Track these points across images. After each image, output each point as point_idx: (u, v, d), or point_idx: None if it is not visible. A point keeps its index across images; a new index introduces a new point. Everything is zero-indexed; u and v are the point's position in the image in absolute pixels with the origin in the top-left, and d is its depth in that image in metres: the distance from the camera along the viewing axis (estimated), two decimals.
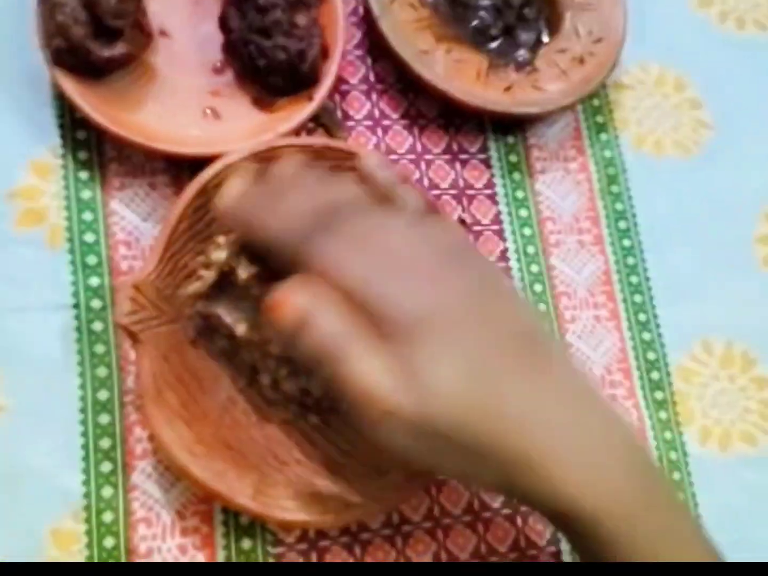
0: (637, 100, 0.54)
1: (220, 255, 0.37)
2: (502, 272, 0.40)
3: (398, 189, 0.36)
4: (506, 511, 0.43)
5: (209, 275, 0.37)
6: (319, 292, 0.30)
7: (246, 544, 0.40)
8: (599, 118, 0.53)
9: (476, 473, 0.32)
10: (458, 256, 0.33)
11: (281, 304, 0.30)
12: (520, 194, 0.50)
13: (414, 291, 0.31)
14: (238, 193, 0.34)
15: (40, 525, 0.38)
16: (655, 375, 0.48)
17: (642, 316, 0.50)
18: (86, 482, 0.39)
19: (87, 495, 0.39)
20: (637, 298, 0.50)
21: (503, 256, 0.48)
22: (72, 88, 0.40)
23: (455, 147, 0.49)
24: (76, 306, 0.41)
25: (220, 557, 0.39)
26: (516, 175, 0.50)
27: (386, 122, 0.49)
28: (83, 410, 0.40)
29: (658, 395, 0.48)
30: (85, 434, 0.39)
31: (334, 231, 0.31)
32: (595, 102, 0.53)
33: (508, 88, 0.49)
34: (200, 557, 0.39)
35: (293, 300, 0.30)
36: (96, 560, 0.38)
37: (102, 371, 0.40)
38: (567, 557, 0.43)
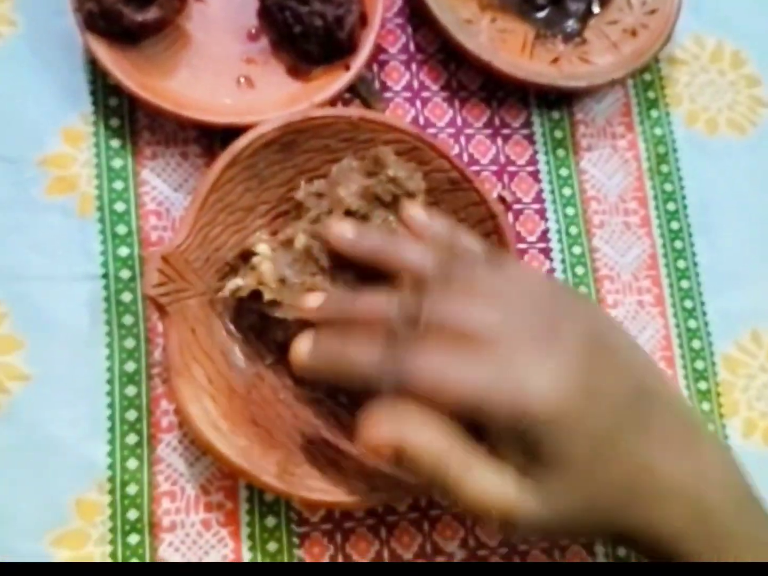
0: (691, 76, 0.52)
1: (264, 250, 0.38)
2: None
3: (457, 238, 0.36)
4: None
5: (250, 283, 0.38)
6: (407, 412, 0.31)
7: (270, 521, 0.39)
8: (650, 94, 0.51)
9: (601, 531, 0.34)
10: (564, 309, 0.33)
11: (373, 441, 0.31)
12: (564, 172, 0.48)
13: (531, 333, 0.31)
14: (307, 347, 0.35)
15: (64, 495, 0.38)
16: (699, 364, 0.47)
17: (688, 303, 0.47)
18: (111, 454, 0.38)
19: (112, 466, 0.38)
20: (684, 283, 0.48)
21: (544, 236, 0.47)
22: (104, 54, 0.39)
23: (497, 121, 0.48)
24: (105, 276, 0.40)
25: (244, 534, 0.39)
26: (560, 152, 0.48)
27: (426, 94, 0.47)
28: (110, 381, 0.39)
29: (702, 385, 0.46)
30: (111, 406, 0.39)
31: (428, 337, 0.31)
32: (647, 77, 0.51)
33: (554, 60, 0.47)
34: (224, 533, 0.39)
35: (382, 435, 0.31)
36: (119, 532, 0.38)
37: (130, 343, 0.40)
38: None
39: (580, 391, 0.30)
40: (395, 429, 0.31)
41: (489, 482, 0.30)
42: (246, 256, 0.39)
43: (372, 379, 0.32)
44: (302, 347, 0.35)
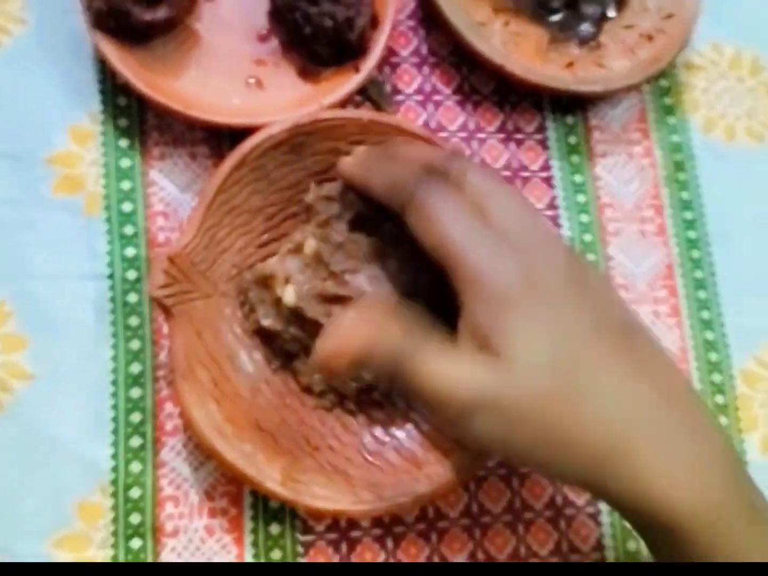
0: (709, 82, 0.51)
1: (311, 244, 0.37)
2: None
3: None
4: (549, 513, 0.41)
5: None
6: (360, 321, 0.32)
7: (275, 529, 0.38)
8: (667, 100, 0.50)
9: (559, 463, 0.30)
10: (556, 237, 0.33)
11: (336, 356, 0.31)
12: (578, 178, 0.47)
13: (512, 260, 0.30)
14: (362, 152, 0.36)
15: (67, 497, 0.37)
16: (716, 377, 0.45)
17: (705, 314, 0.46)
18: (115, 456, 0.38)
19: (115, 469, 0.38)
20: (701, 294, 0.47)
21: None
22: (113, 53, 0.39)
23: (510, 126, 0.47)
24: (111, 276, 0.40)
25: (248, 541, 0.38)
26: (575, 158, 0.47)
27: (438, 97, 0.46)
28: (115, 383, 0.39)
29: (719, 399, 0.45)
30: (115, 407, 0.38)
31: (448, 192, 0.31)
32: (663, 83, 0.50)
33: (569, 65, 0.46)
34: (227, 540, 0.38)
35: (345, 348, 0.31)
36: (121, 536, 0.37)
37: (135, 344, 0.39)
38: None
39: (560, 292, 0.30)
40: (351, 336, 0.31)
41: (445, 363, 0.30)
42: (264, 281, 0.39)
43: (397, 193, 0.32)
44: (347, 158, 0.36)
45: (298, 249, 0.38)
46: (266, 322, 0.38)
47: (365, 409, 0.40)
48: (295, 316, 0.37)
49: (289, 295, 0.37)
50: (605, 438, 0.29)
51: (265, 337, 0.39)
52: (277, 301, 0.38)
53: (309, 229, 0.38)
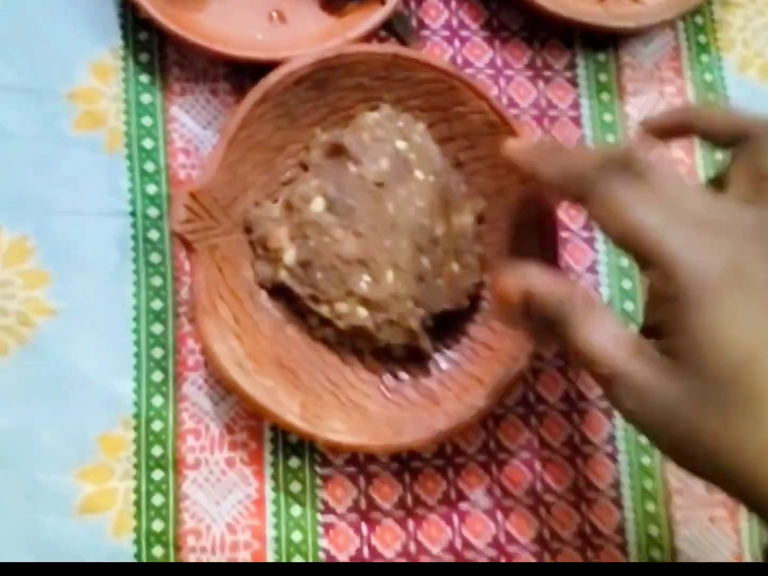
0: (746, 20, 0.49)
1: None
2: None
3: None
4: (566, 451, 0.41)
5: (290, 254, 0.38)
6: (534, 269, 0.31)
7: (294, 462, 0.39)
8: (701, 38, 0.48)
9: (697, 454, 0.28)
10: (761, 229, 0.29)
11: (507, 289, 0.31)
12: (608, 117, 0.46)
13: (717, 247, 0.27)
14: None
15: (89, 430, 0.38)
16: None
17: None
18: (137, 390, 0.38)
19: (137, 403, 0.38)
20: None
21: None
22: None
23: (539, 63, 0.46)
24: (133, 213, 0.40)
25: (268, 474, 0.39)
26: (605, 96, 0.46)
27: (465, 33, 0.45)
28: (136, 319, 0.39)
29: None
30: (137, 343, 0.39)
31: (634, 176, 0.29)
32: (698, 19, 0.48)
33: None
34: (248, 472, 0.39)
35: (514, 283, 0.31)
36: (143, 468, 0.38)
37: (157, 280, 0.40)
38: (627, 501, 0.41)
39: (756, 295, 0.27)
40: (524, 279, 0.31)
41: (608, 330, 0.29)
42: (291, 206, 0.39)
43: (575, 183, 0.31)
44: (514, 141, 0.35)
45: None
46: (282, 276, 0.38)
47: (387, 349, 0.40)
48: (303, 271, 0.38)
49: (289, 256, 0.38)
50: None
51: (277, 292, 0.40)
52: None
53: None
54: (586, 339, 0.29)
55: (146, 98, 0.41)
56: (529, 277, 0.31)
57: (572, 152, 0.33)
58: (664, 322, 0.28)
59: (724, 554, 0.42)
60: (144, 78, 0.41)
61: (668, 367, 0.28)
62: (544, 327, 0.30)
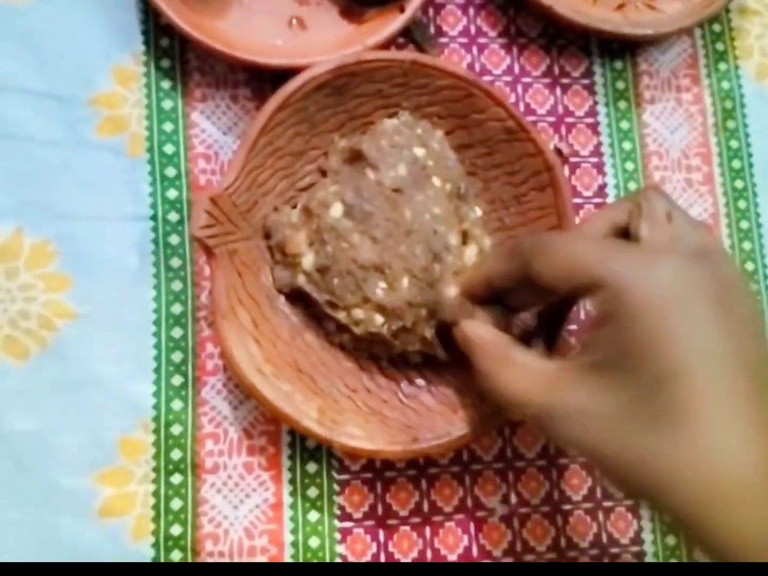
0: (764, 28, 0.49)
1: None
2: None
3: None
4: (583, 460, 0.41)
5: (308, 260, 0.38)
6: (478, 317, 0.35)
7: (311, 467, 0.39)
8: (719, 46, 0.48)
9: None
10: (729, 300, 0.29)
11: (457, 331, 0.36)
12: (624, 125, 0.46)
13: (653, 267, 0.29)
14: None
15: (109, 433, 0.38)
16: None
17: (750, 265, 0.46)
18: (156, 394, 0.39)
19: (156, 406, 0.39)
20: (746, 245, 0.46)
21: (601, 191, 0.45)
22: None
23: (556, 70, 0.46)
24: (154, 218, 0.40)
25: (285, 479, 0.39)
26: (622, 104, 0.46)
27: (482, 40, 0.45)
28: (156, 323, 0.39)
29: None
30: (157, 346, 0.39)
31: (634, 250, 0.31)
32: (716, 27, 0.48)
33: (620, 6, 0.45)
34: (265, 477, 0.39)
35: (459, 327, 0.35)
36: (162, 471, 0.38)
37: (177, 285, 0.40)
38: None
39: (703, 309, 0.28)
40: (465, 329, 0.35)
41: (523, 373, 0.31)
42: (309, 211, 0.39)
43: (516, 257, 0.33)
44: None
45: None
46: (299, 281, 0.38)
47: (398, 368, 0.40)
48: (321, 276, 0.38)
49: (308, 262, 0.38)
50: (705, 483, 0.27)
51: (295, 297, 0.40)
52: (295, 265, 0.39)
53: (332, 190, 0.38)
54: (505, 389, 0.32)
55: (167, 104, 0.41)
56: (467, 327, 0.35)
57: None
58: (604, 334, 0.29)
59: None
60: (165, 84, 0.42)
61: (597, 385, 0.28)
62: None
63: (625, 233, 0.34)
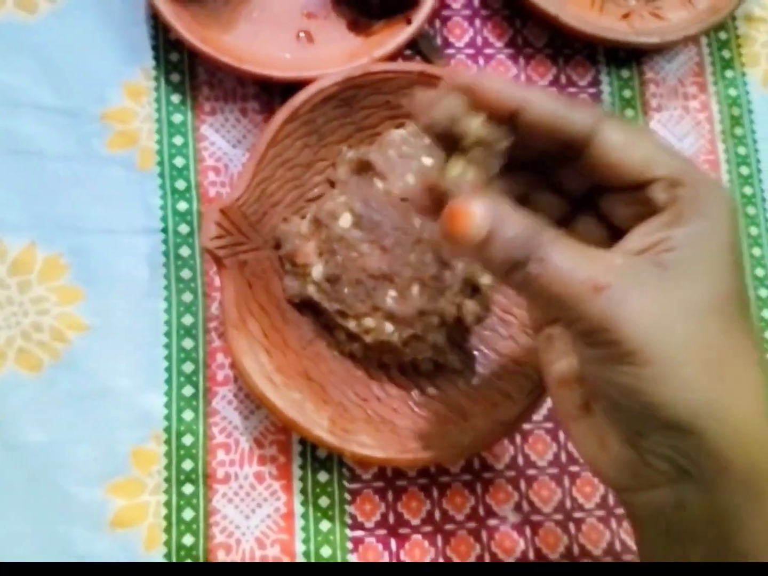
0: None
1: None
2: None
3: None
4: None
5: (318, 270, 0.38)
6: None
7: (322, 477, 0.39)
8: (725, 53, 0.48)
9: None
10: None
11: (461, 214, 0.26)
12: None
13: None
14: None
15: (121, 444, 0.38)
16: None
17: (759, 271, 0.45)
18: (168, 405, 0.39)
19: (168, 417, 0.39)
20: (756, 251, 0.46)
21: None
22: (166, 8, 0.40)
23: (563, 79, 0.46)
24: (164, 230, 0.41)
25: (296, 488, 0.39)
26: (629, 112, 0.46)
27: (489, 51, 0.46)
28: (167, 334, 0.40)
29: None
30: (168, 358, 0.39)
31: None
32: (722, 35, 0.48)
33: (625, 15, 0.45)
34: (276, 486, 0.39)
35: (473, 209, 0.26)
36: (174, 482, 0.38)
37: (187, 296, 0.40)
38: None
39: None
40: (488, 207, 0.26)
41: (584, 251, 0.26)
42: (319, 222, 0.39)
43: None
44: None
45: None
46: (309, 291, 0.39)
47: (408, 376, 0.40)
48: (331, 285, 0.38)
49: (317, 272, 0.38)
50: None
51: (305, 306, 0.40)
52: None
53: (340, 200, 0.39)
54: (558, 271, 0.26)
55: (177, 118, 0.42)
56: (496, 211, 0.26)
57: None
58: (669, 239, 0.27)
59: None
60: (175, 98, 0.42)
61: (670, 284, 0.26)
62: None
63: None
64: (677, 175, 0.27)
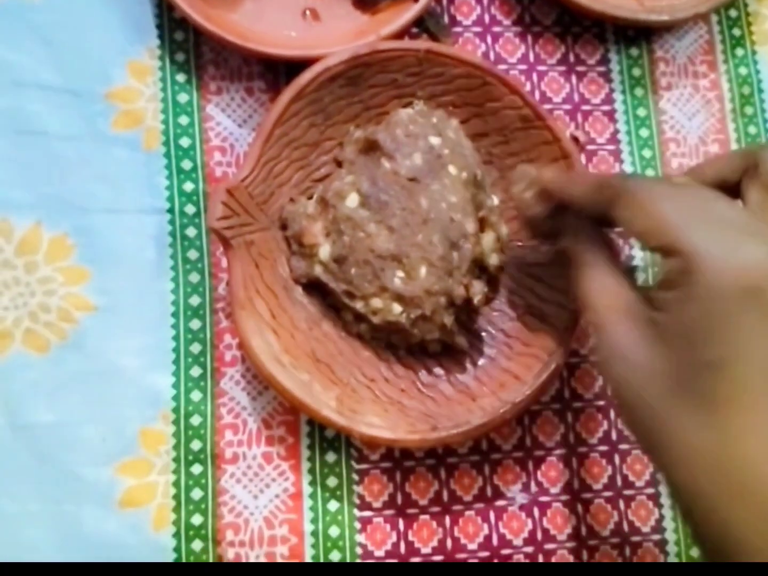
0: None
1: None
2: None
3: None
4: (603, 447, 0.41)
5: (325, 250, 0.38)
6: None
7: (330, 457, 0.39)
8: (735, 31, 0.48)
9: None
10: None
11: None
12: (641, 112, 0.46)
13: (731, 249, 0.27)
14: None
15: (130, 424, 0.38)
16: None
17: None
18: (176, 385, 0.39)
19: (176, 398, 0.39)
20: None
21: None
22: None
23: (572, 58, 0.46)
24: (171, 210, 0.40)
25: (305, 469, 0.39)
26: (638, 91, 0.46)
27: (497, 29, 0.45)
28: (175, 314, 0.40)
29: None
30: (176, 338, 0.39)
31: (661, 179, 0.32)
32: (732, 12, 0.48)
33: None
34: (284, 467, 0.39)
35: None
36: (182, 462, 0.38)
37: (194, 277, 0.40)
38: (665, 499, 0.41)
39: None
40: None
41: (608, 285, 0.31)
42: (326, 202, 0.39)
43: (604, 191, 0.32)
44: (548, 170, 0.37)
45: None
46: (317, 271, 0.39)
47: (416, 357, 0.40)
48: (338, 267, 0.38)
49: (324, 252, 0.38)
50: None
51: (313, 287, 0.40)
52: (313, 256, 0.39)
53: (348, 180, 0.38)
54: (586, 286, 0.32)
55: (183, 97, 0.42)
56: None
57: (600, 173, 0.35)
58: (668, 299, 0.28)
59: None
60: (180, 77, 0.42)
61: (651, 339, 0.28)
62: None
63: (733, 191, 0.33)
64: (673, 245, 0.28)
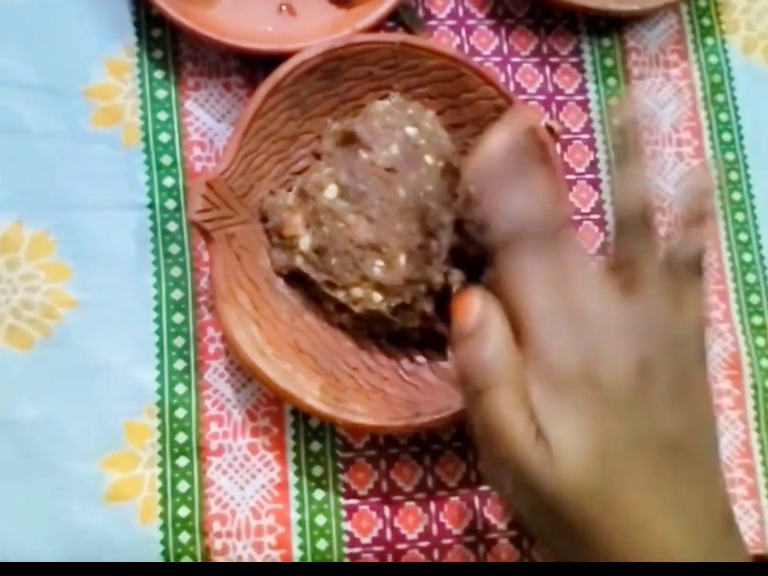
0: (749, 1, 0.50)
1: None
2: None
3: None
4: None
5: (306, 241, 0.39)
6: (495, 311, 0.31)
7: (315, 446, 0.40)
8: (705, 20, 0.49)
9: (553, 536, 0.31)
10: (645, 338, 0.30)
11: (466, 308, 0.31)
12: (614, 101, 0.47)
13: (578, 345, 0.29)
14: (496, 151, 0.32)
15: (115, 419, 0.38)
16: (754, 298, 0.45)
17: (743, 236, 0.46)
18: (160, 379, 0.39)
19: (160, 391, 0.39)
20: (739, 216, 0.46)
21: (593, 167, 0.45)
22: None
23: (545, 49, 0.46)
24: (151, 206, 0.41)
25: (290, 459, 0.39)
26: (611, 81, 0.47)
27: (471, 21, 0.46)
28: (158, 309, 0.40)
29: (756, 320, 0.45)
30: (159, 332, 0.40)
31: (546, 255, 0.30)
32: (702, 2, 0.49)
33: None
34: (270, 457, 0.39)
35: (475, 308, 0.31)
36: (168, 455, 0.38)
37: (176, 271, 0.40)
38: None
39: (615, 394, 0.29)
40: (482, 315, 0.31)
41: (512, 414, 0.29)
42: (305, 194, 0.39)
43: (497, 234, 0.31)
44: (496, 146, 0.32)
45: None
46: (297, 262, 0.39)
47: (398, 345, 0.40)
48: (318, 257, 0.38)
49: (305, 243, 0.38)
50: (618, 541, 0.28)
51: (294, 278, 0.40)
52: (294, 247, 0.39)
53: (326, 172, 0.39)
54: (495, 414, 0.30)
55: (161, 93, 0.42)
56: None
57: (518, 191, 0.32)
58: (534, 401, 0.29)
59: (747, 534, 0.42)
60: (158, 74, 0.42)
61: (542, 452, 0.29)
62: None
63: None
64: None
